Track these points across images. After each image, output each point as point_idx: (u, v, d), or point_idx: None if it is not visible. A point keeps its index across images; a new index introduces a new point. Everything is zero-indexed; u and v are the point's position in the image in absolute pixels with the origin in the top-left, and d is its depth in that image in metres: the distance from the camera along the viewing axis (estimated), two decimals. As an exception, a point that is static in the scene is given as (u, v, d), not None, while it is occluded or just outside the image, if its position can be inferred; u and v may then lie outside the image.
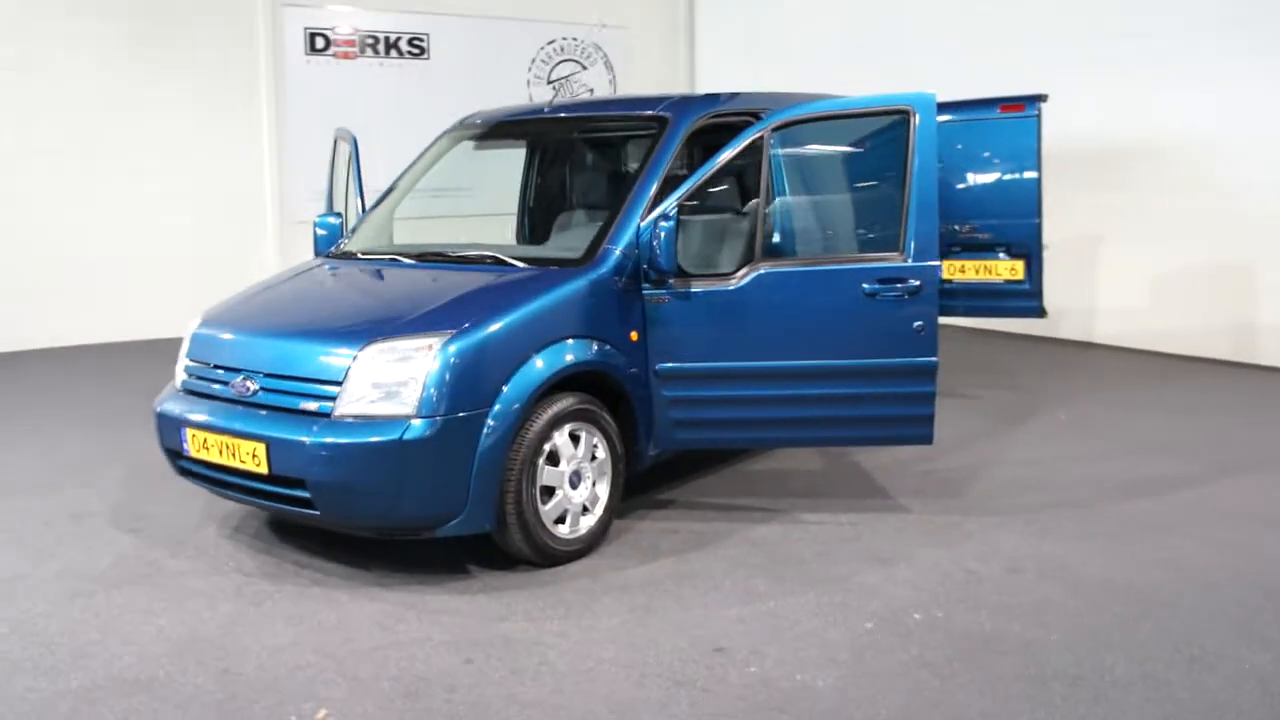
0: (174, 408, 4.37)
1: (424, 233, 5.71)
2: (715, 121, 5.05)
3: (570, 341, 4.31)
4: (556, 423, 4.23)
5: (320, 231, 5.58)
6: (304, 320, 4.38)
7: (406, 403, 3.88)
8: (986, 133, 6.95)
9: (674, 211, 4.43)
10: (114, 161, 10.02)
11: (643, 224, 4.55)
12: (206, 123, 10.62)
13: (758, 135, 4.57)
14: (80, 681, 3.39)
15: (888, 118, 4.66)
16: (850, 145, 5.23)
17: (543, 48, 13.40)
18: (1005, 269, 6.98)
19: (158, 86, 10.28)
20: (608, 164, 5.67)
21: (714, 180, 4.75)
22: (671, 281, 4.57)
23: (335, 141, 6.25)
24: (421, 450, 3.86)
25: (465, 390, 3.95)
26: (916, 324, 4.54)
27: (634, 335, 4.57)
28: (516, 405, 4.05)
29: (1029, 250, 6.89)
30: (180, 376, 4.53)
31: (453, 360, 3.93)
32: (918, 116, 4.52)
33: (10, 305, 9.28)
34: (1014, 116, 6.83)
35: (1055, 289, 9.44)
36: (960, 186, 7.03)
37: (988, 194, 6.98)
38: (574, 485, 4.35)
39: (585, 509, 4.43)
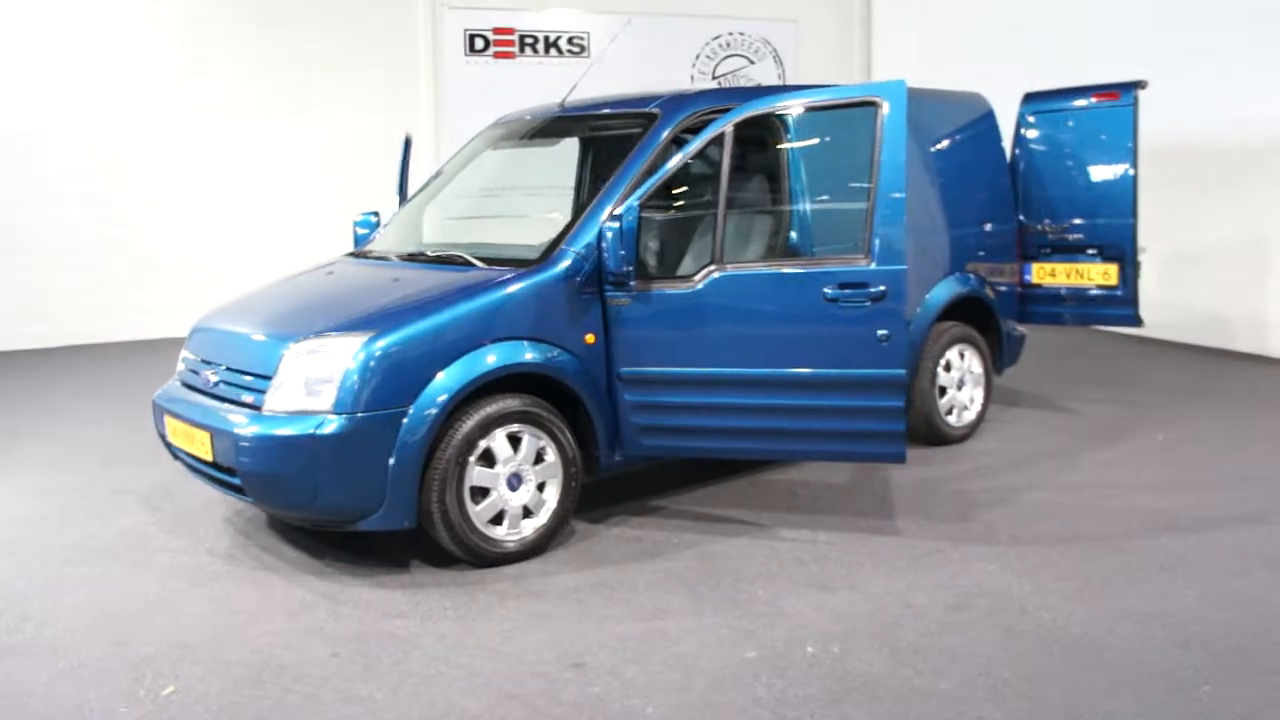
0: (162, 397, 4.73)
1: (462, 232, 5.80)
2: (711, 118, 4.86)
3: (508, 343, 4.30)
4: (492, 424, 4.24)
5: (360, 230, 5.84)
6: (265, 317, 4.61)
7: (325, 399, 4.01)
8: (1078, 123, 6.33)
9: (625, 212, 4.32)
10: (276, 162, 10.87)
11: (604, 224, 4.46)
12: (367, 124, 11.30)
13: (719, 131, 4.37)
14: None
15: (860, 110, 4.32)
16: (823, 139, 4.89)
17: (708, 43, 13.31)
18: (1098, 273, 6.31)
19: (319, 89, 11.03)
20: (605, 163, 5.58)
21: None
22: (633, 284, 4.46)
23: (406, 141, 6.47)
24: (335, 445, 3.97)
25: (382, 389, 4.03)
26: (881, 333, 4.21)
27: (590, 338, 4.50)
28: (438, 405, 4.09)
29: (1123, 253, 6.20)
30: (179, 368, 4.89)
31: (370, 360, 4.03)
32: (886, 108, 4.17)
33: (182, 295, 10.26)
34: (1108, 105, 6.15)
35: (1226, 296, 8.49)
36: (1049, 183, 6.41)
37: (1079, 191, 6.34)
38: (513, 488, 4.34)
39: (529, 512, 4.40)
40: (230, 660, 3.56)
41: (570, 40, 12.66)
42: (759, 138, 4.78)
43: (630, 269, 4.40)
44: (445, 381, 4.12)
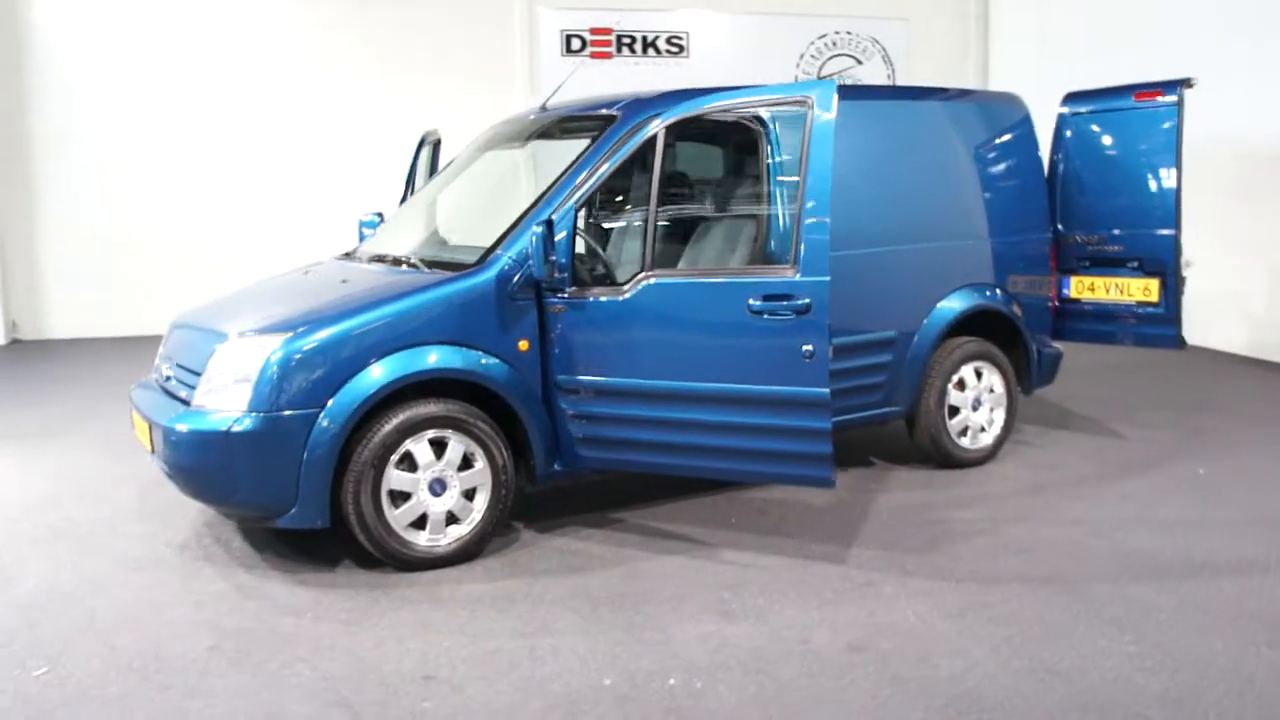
0: (134, 390, 4.94)
1: (438, 234, 5.80)
2: (678, 120, 4.67)
3: (431, 348, 4.28)
4: (413, 428, 4.23)
5: (366, 231, 5.96)
6: (218, 316, 4.73)
7: (242, 397, 4.10)
8: (1120, 126, 5.81)
9: (559, 217, 4.24)
10: (372, 162, 11.23)
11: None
12: (464, 125, 11.50)
13: (652, 134, 4.22)
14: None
15: (795, 109, 4.07)
16: (761, 141, 4.61)
17: (813, 42, 12.95)
18: (1138, 288, 5.77)
19: (416, 89, 11.32)
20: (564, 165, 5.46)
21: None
22: (568, 290, 4.37)
23: (421, 142, 6.57)
24: (248, 443, 4.06)
25: (296, 389, 4.08)
26: (805, 348, 3.96)
27: (523, 345, 4.43)
28: (351, 408, 4.11)
29: (1164, 267, 5.64)
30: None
31: (284, 360, 4.08)
32: (816, 109, 3.92)
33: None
34: (1151, 106, 5.61)
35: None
36: (1089, 190, 5.91)
37: (1118, 199, 5.81)
38: (436, 493, 4.32)
39: (456, 518, 4.37)
40: (116, 646, 3.69)
41: (669, 40, 12.56)
42: (696, 140, 4.58)
43: (564, 275, 4.30)
44: (360, 385, 4.14)
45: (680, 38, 12.59)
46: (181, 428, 4.16)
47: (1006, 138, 5.86)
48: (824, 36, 12.92)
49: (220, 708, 3.27)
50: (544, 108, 5.38)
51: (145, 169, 10.68)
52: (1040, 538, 4.66)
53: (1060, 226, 6.05)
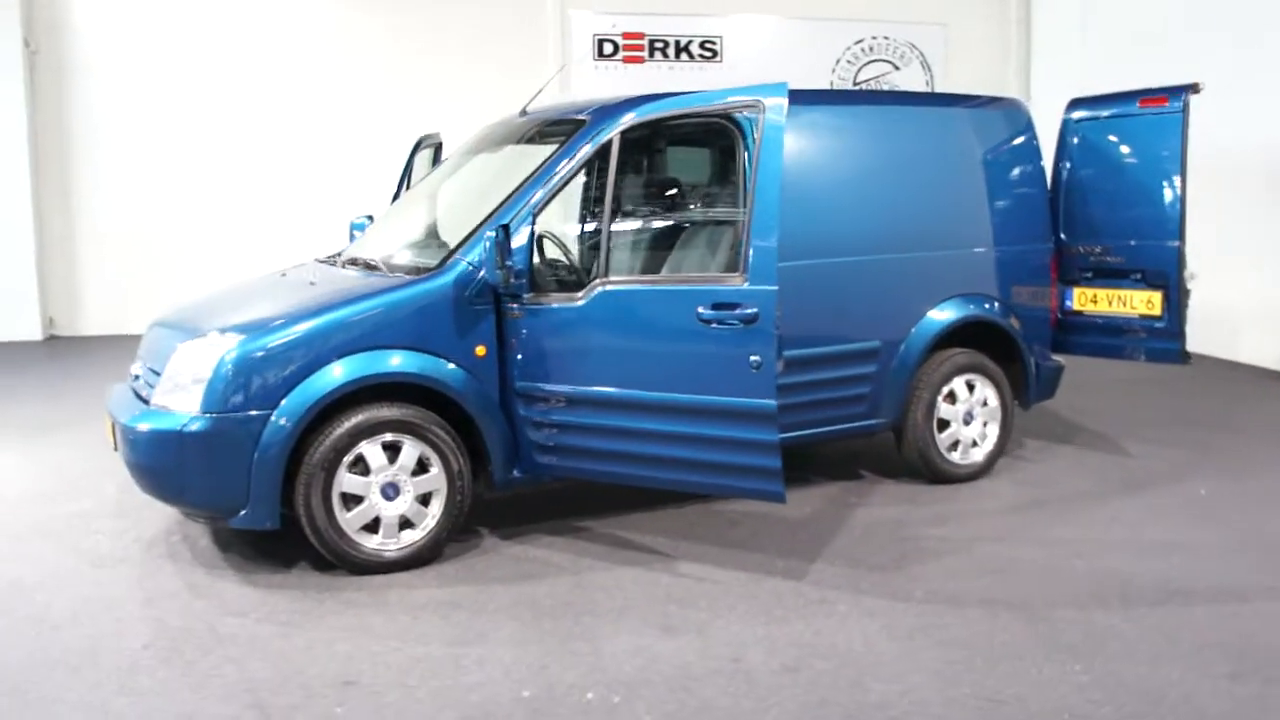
0: (112, 389, 5.00)
1: (414, 238, 5.77)
2: (646, 123, 4.59)
3: (384, 351, 4.26)
4: (365, 432, 4.22)
5: (356, 233, 5.99)
6: (187, 317, 4.77)
7: (194, 397, 4.12)
8: (1125, 133, 5.60)
9: (515, 223, 4.20)
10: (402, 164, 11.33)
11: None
12: (494, 129, 11.59)
13: (607, 140, 4.16)
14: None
15: (744, 114, 3.97)
16: (715, 146, 4.51)
17: (849, 48, 12.76)
18: (1141, 301, 5.55)
19: (446, 91, 11.37)
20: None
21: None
22: (526, 296, 4.33)
23: (418, 144, 6.58)
24: (199, 443, 4.08)
25: (246, 391, 4.09)
26: (753, 359, 3.87)
27: (480, 350, 4.39)
28: (300, 410, 4.11)
29: (1166, 280, 5.42)
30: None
31: (236, 362, 4.10)
32: (766, 113, 3.82)
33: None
34: (1155, 112, 5.40)
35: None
36: (1092, 199, 5.71)
37: (1121, 208, 5.60)
38: (389, 497, 4.30)
39: (409, 523, 4.35)
40: (58, 642, 3.73)
41: (703, 44, 12.47)
42: (652, 145, 4.50)
43: (521, 281, 4.27)
44: (310, 388, 4.14)
45: (714, 42, 12.49)
46: (138, 426, 4.21)
47: (1005, 145, 5.68)
48: (860, 42, 12.72)
49: (140, 706, 3.28)
50: (524, 112, 5.35)
51: (177, 170, 10.89)
52: (1014, 558, 4.50)
53: (1063, 236, 5.85)
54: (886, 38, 12.72)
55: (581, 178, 4.31)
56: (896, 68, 12.79)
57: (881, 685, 3.38)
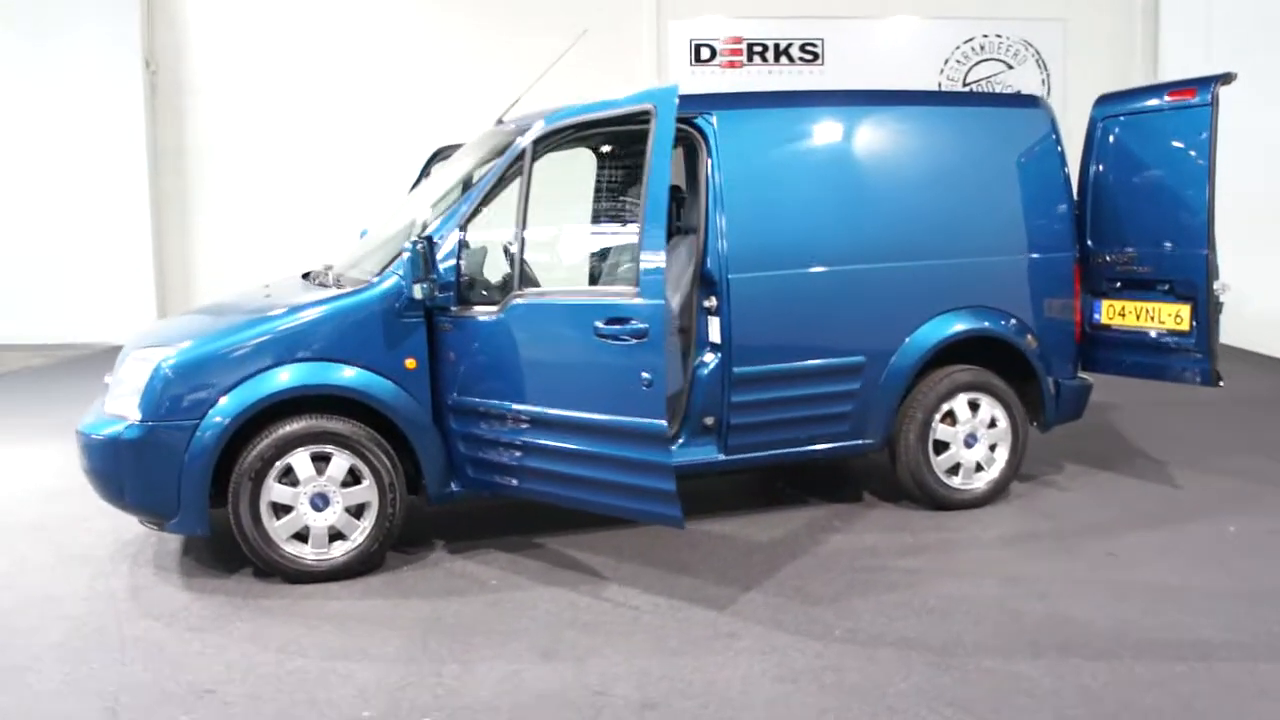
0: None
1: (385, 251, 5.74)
2: (542, 136, 4.33)
3: (310, 364, 4.30)
4: (293, 443, 4.27)
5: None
6: (152, 329, 4.95)
7: (132, 406, 4.28)
8: (1152, 130, 5.05)
9: (435, 234, 4.17)
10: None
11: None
12: (585, 139, 11.64)
13: (521, 150, 4.06)
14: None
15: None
16: (629, 154, 4.28)
17: (959, 47, 12.13)
18: (1169, 315, 4.99)
19: (541, 99, 11.43)
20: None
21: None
22: (454, 308, 4.29)
23: (432, 157, 6.63)
24: (130, 450, 4.23)
25: (175, 401, 4.21)
26: (644, 376, 3.69)
27: (410, 363, 4.37)
28: (224, 421, 4.20)
29: (1195, 291, 4.85)
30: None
31: (167, 372, 4.23)
32: (656, 119, 3.63)
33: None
34: (1181, 106, 4.84)
35: None
36: (1119, 203, 5.18)
37: (1149, 213, 5.05)
38: (318, 508, 4.34)
39: (341, 534, 4.38)
40: (-12, 637, 3.94)
41: (803, 47, 12.13)
42: (573, 153, 4.35)
43: (447, 294, 4.24)
44: (236, 399, 4.22)
45: (814, 44, 12.14)
46: (86, 432, 4.40)
47: (1022, 147, 5.22)
48: (970, 40, 12.07)
49: (17, 706, 3.41)
50: (499, 121, 5.30)
51: (288, 185, 11.45)
52: (966, 597, 4.11)
53: (1090, 243, 5.33)
54: (999, 35, 12.03)
55: (515, 188, 4.21)
56: (1010, 67, 12.07)
57: (737, 733, 3.15)
